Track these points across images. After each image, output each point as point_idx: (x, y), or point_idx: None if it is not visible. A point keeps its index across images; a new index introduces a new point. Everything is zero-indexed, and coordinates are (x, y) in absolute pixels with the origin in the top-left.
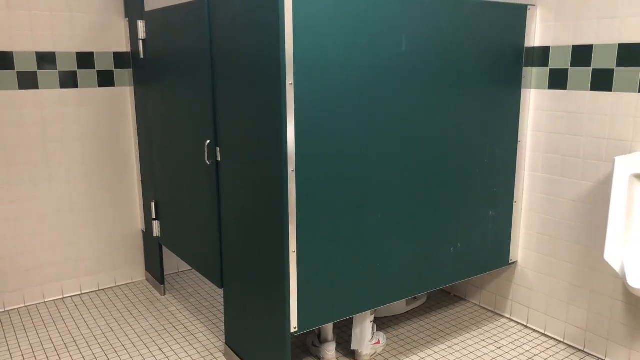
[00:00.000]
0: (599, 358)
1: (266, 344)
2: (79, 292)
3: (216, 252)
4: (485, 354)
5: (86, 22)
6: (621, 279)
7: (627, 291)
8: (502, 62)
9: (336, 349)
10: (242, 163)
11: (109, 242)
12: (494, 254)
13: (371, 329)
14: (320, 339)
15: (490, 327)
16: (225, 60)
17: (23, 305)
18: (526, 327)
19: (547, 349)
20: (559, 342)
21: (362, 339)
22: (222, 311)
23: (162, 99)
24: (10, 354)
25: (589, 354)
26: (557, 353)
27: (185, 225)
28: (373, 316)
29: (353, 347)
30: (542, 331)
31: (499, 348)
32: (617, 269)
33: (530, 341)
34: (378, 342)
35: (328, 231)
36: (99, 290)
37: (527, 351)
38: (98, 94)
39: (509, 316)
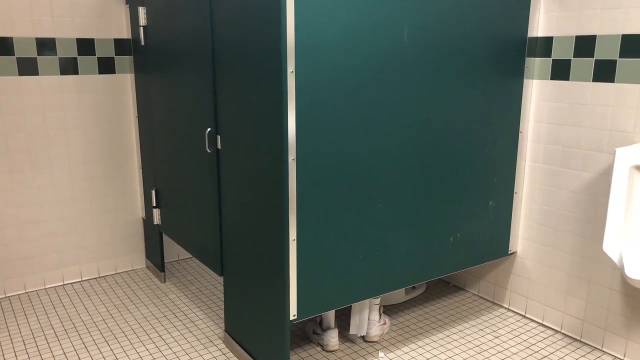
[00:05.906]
0: (596, 348)
1: (265, 332)
2: (80, 279)
3: (216, 240)
4: (483, 343)
5: (87, 8)
6: (619, 270)
7: (625, 282)
8: (505, 52)
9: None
10: (243, 151)
11: (109, 229)
12: (494, 244)
13: (378, 312)
14: (322, 327)
15: (489, 317)
16: (227, 48)
17: (24, 291)
18: (524, 317)
19: (545, 338)
20: (557, 332)
21: (361, 325)
22: (222, 299)
23: (162, 87)
24: (11, 339)
25: (585, 344)
26: (555, 343)
27: (186, 213)
28: (379, 299)
29: (352, 331)
30: (540, 321)
31: (497, 337)
32: (616, 260)
33: (528, 331)
34: (385, 323)
35: (328, 220)
36: (99, 277)
37: (525, 340)
38: (98, 81)
39: (507, 306)
